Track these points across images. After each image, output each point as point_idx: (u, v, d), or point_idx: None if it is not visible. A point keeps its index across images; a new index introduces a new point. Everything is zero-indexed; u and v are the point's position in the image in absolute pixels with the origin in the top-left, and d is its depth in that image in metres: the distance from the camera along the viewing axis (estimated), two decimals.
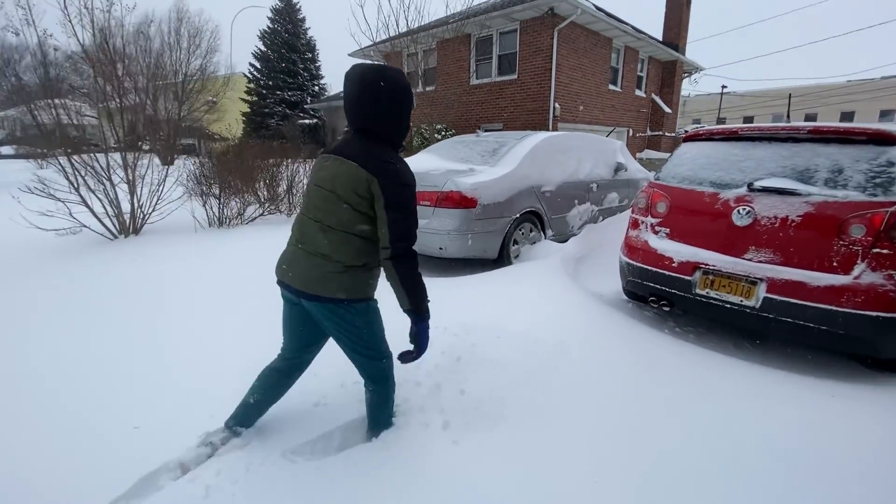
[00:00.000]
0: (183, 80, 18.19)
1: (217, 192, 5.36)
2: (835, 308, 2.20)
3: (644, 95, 15.40)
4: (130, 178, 4.98)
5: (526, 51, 11.53)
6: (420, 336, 1.57)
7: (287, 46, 22.83)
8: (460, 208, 3.79)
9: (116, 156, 4.90)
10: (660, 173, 3.04)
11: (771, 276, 2.38)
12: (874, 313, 2.11)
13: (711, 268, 2.58)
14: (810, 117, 34.43)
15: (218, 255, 4.34)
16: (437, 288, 3.38)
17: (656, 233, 2.93)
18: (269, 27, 22.95)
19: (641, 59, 14.75)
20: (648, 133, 16.14)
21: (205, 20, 19.42)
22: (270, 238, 4.79)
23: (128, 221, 5.02)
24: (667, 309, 2.90)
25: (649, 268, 2.87)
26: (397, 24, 11.24)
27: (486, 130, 12.51)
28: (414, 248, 1.52)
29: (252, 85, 23.11)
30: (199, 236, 4.86)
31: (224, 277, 3.73)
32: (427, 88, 12.76)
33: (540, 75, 11.38)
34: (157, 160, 6.15)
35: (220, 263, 4.09)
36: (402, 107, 1.55)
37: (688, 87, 19.03)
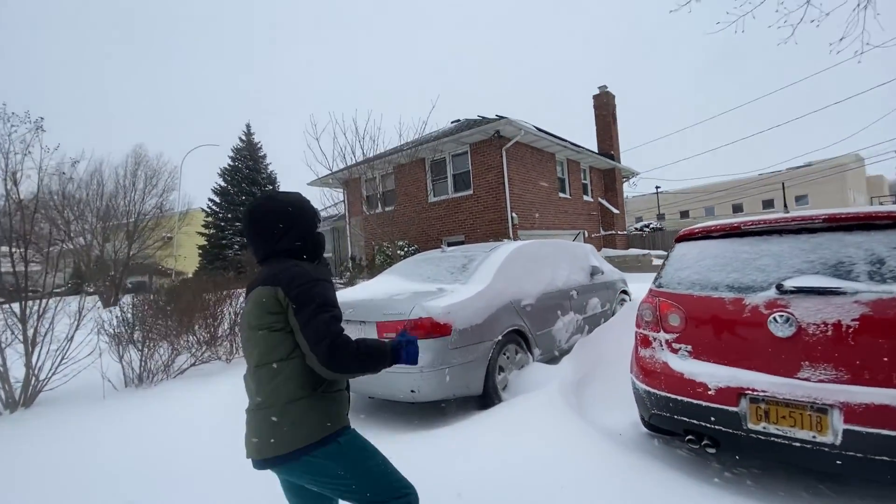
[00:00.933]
0: (136, 219, 17.85)
1: (141, 338, 4.49)
2: None
3: (592, 200, 16.38)
4: (30, 334, 4.09)
5: (478, 169, 12.15)
6: (406, 364, 1.40)
7: (247, 181, 23.49)
8: (433, 337, 3.17)
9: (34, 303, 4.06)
10: (661, 279, 2.62)
11: (845, 401, 1.83)
12: None
13: (761, 394, 2.02)
14: (736, 207, 38.13)
15: (130, 429, 3.36)
16: (406, 462, 2.56)
17: (675, 351, 2.39)
18: (230, 164, 23.79)
19: (583, 169, 15.98)
20: (602, 233, 16.84)
21: (164, 162, 19.77)
22: (204, 397, 3.89)
23: (18, 392, 3.99)
24: (712, 451, 2.24)
25: (678, 397, 2.27)
26: (353, 154, 11.71)
27: (448, 243, 12.53)
28: (341, 336, 1.27)
29: (210, 218, 23.07)
30: (107, 403, 3.87)
31: (137, 467, 2.77)
32: (387, 209, 12.96)
33: (494, 189, 11.85)
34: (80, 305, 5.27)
35: (131, 445, 3.12)
36: (296, 220, 1.43)
37: (628, 190, 20.67)
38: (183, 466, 2.70)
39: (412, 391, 3.12)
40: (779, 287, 2.08)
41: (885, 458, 1.77)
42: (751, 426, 2.04)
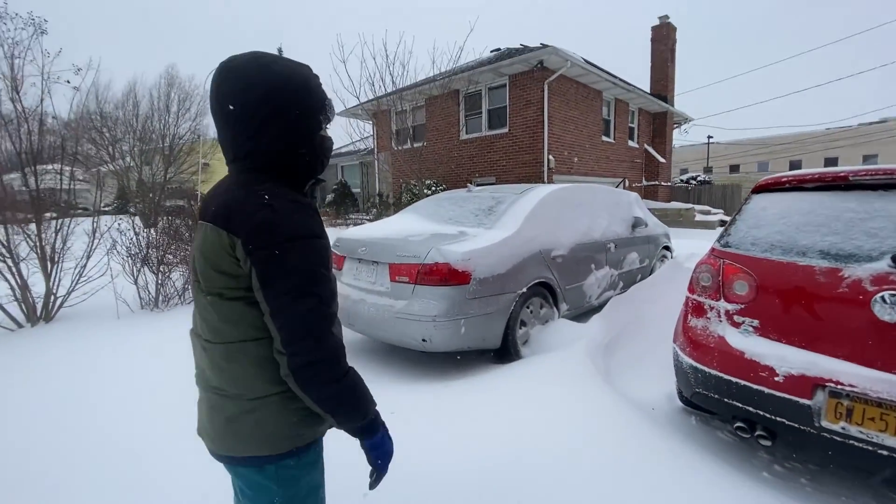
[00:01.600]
0: (171, 142, 17.95)
1: (156, 260, 4.41)
2: None
3: (637, 146, 15.16)
4: (48, 251, 4.06)
5: (516, 104, 11.22)
6: (375, 454, 0.94)
7: None
8: (449, 285, 2.86)
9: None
10: (728, 238, 2.16)
11: None
12: None
13: (847, 388, 1.62)
14: (794, 164, 34.99)
15: (134, 349, 3.32)
16: (411, 417, 2.32)
17: (737, 325, 1.99)
18: None
19: (632, 111, 14.63)
20: (644, 183, 15.75)
21: (195, 85, 19.43)
22: None
23: (39, 307, 4.03)
24: (767, 443, 1.90)
25: (733, 379, 1.91)
26: (383, 82, 10.99)
27: (478, 185, 11.99)
28: (329, 342, 0.84)
29: None
30: (121, 323, 3.86)
31: (136, 394, 2.72)
32: (415, 145, 12.36)
33: (532, 128, 10.99)
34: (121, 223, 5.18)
35: (134, 363, 3.08)
36: (291, 107, 0.87)
37: (678, 138, 19.04)
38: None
39: (424, 340, 2.87)
40: (895, 258, 1.61)
41: None
42: (825, 424, 1.67)
